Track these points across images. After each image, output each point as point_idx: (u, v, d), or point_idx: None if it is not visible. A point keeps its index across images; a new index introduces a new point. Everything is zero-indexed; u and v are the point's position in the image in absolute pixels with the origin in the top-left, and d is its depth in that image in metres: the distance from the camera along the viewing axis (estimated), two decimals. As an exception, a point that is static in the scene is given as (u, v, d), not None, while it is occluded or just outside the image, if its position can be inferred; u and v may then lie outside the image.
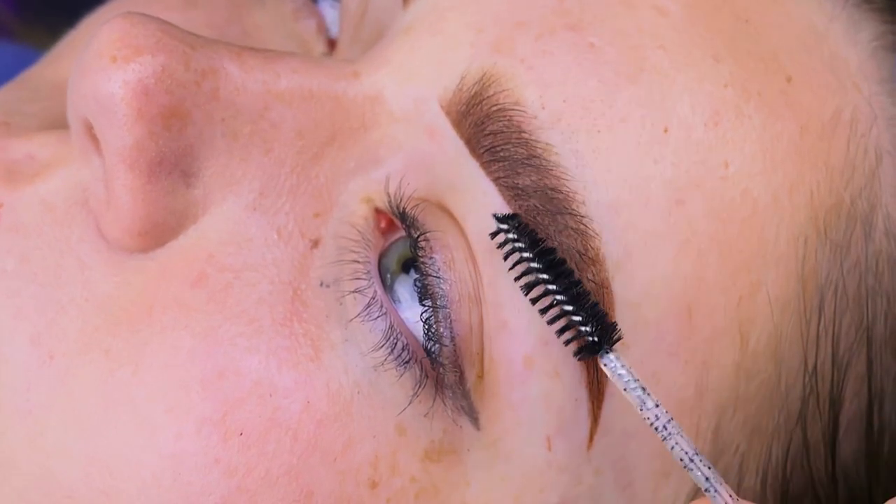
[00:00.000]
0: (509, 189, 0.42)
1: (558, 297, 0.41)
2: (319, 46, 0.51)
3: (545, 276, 0.41)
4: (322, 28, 0.51)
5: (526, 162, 0.43)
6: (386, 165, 0.44)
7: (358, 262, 0.43)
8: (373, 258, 0.43)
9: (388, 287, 0.43)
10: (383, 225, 0.44)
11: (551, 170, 0.42)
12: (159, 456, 0.41)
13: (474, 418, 0.43)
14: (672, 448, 0.40)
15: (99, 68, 0.42)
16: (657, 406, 0.40)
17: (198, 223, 0.43)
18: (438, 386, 0.42)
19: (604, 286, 0.42)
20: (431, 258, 0.42)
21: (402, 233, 0.43)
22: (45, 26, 0.65)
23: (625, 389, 0.41)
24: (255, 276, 0.42)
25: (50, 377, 0.42)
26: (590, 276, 0.42)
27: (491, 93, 0.43)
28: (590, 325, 0.41)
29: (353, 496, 0.42)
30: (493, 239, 0.42)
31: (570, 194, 0.42)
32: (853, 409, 0.47)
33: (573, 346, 0.42)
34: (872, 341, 0.46)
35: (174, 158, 0.43)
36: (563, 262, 0.41)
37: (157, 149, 0.42)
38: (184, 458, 0.41)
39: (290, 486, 0.41)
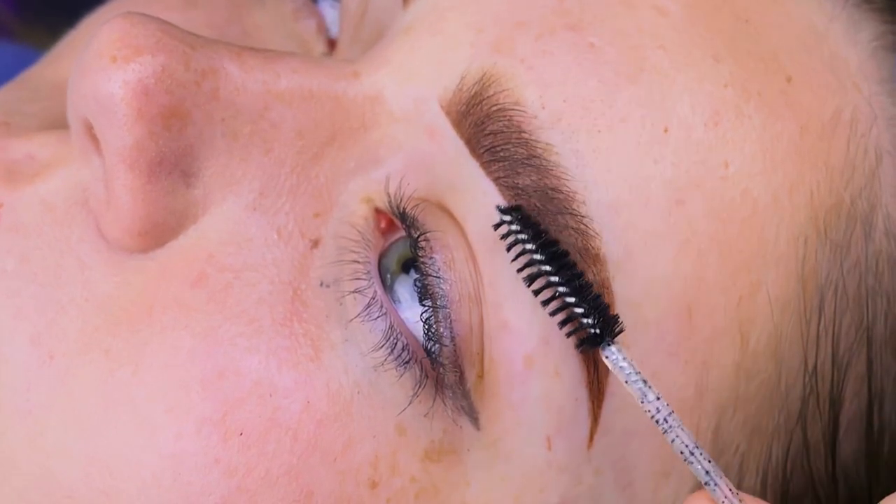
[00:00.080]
0: (509, 189, 0.42)
1: (560, 289, 0.41)
2: (319, 46, 0.51)
3: (547, 268, 0.41)
4: (322, 28, 0.51)
5: (526, 162, 0.43)
6: (386, 165, 0.44)
7: (358, 262, 0.43)
8: (373, 258, 0.43)
9: (388, 287, 0.43)
10: (383, 225, 0.44)
11: (551, 170, 0.42)
12: (159, 456, 0.41)
13: (474, 418, 0.43)
14: (673, 441, 0.40)
15: (99, 68, 0.42)
16: (658, 399, 0.40)
17: (198, 223, 0.43)
18: (438, 386, 0.42)
19: (605, 286, 0.42)
20: (431, 258, 0.42)
21: (402, 233, 0.43)
22: (45, 26, 0.65)
23: (626, 382, 0.41)
24: (255, 276, 0.42)
25: (50, 377, 0.42)
26: (591, 275, 0.42)
27: (491, 93, 0.43)
28: (592, 318, 0.41)
29: (353, 496, 0.42)
30: (496, 230, 0.42)
31: (571, 194, 0.42)
32: (853, 409, 0.47)
33: (574, 344, 0.42)
34: (872, 341, 0.46)
35: (174, 158, 0.43)
36: (566, 254, 0.41)
37: (157, 149, 0.42)
38: (184, 458, 0.41)
39: (290, 486, 0.41)
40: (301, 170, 0.44)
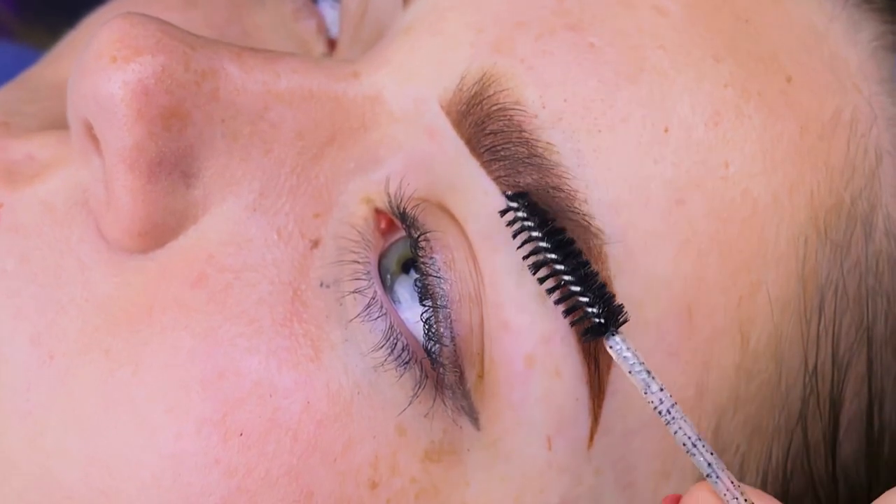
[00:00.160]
0: (510, 188, 0.42)
1: (566, 277, 0.41)
2: (319, 47, 0.51)
3: (553, 257, 0.41)
4: (322, 28, 0.51)
5: (527, 161, 0.43)
6: (386, 166, 0.44)
7: (358, 262, 0.43)
8: (373, 259, 0.43)
9: (387, 287, 0.43)
10: (383, 225, 0.44)
11: (552, 169, 0.42)
12: (159, 456, 0.41)
13: (474, 418, 0.43)
14: (675, 433, 0.40)
15: (99, 69, 0.42)
16: (661, 390, 0.40)
17: (198, 223, 0.43)
18: (438, 386, 0.42)
19: (607, 284, 0.42)
20: (432, 258, 0.42)
21: (402, 233, 0.43)
22: (45, 26, 0.65)
23: (630, 372, 0.40)
24: (255, 277, 0.42)
25: (50, 377, 0.42)
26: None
27: (491, 92, 0.43)
28: (597, 307, 0.41)
29: (354, 496, 0.42)
30: (502, 217, 0.42)
31: (572, 193, 0.42)
32: (853, 409, 0.47)
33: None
34: (873, 341, 0.46)
35: (174, 159, 0.43)
36: (572, 242, 0.41)
37: (157, 149, 0.42)
38: (184, 459, 0.41)
39: (290, 486, 0.41)
40: (301, 170, 0.44)
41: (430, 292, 0.42)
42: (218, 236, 0.43)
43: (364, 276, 0.42)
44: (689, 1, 0.45)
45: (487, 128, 0.43)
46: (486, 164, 0.43)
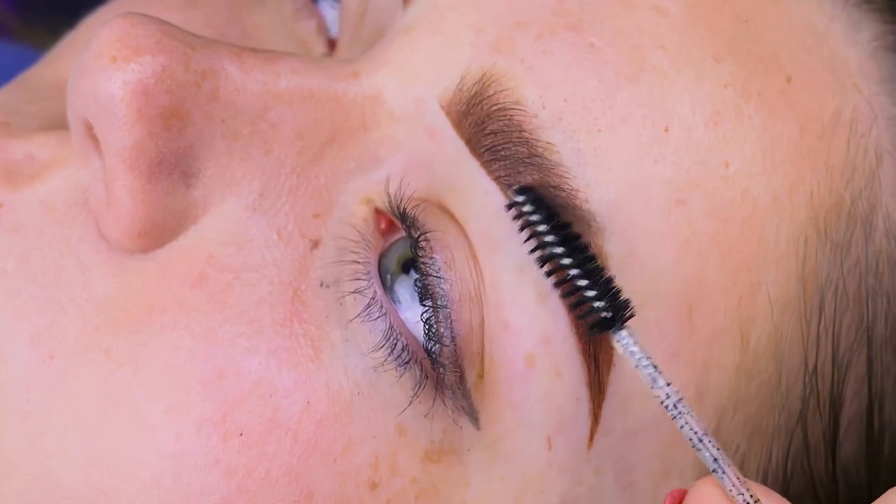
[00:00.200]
0: (511, 188, 0.42)
1: (573, 271, 0.41)
2: (319, 47, 0.51)
3: (560, 250, 0.41)
4: (322, 28, 0.51)
5: (527, 161, 0.43)
6: (386, 166, 0.44)
7: (358, 262, 0.43)
8: (373, 259, 0.43)
9: (387, 288, 0.43)
10: (383, 226, 0.44)
11: (553, 168, 0.42)
12: (159, 456, 0.41)
13: (474, 418, 0.43)
14: (682, 427, 0.40)
15: (99, 69, 0.42)
16: (668, 385, 0.40)
17: (198, 224, 0.43)
18: (438, 386, 0.42)
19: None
20: (432, 258, 0.42)
21: (402, 233, 0.43)
22: (45, 26, 0.65)
23: (636, 367, 0.40)
24: (255, 277, 0.42)
25: (50, 377, 0.42)
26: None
27: (491, 92, 0.43)
28: (603, 302, 0.41)
29: (354, 497, 0.42)
30: (508, 211, 0.42)
31: (573, 192, 0.42)
32: (853, 409, 0.47)
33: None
34: (873, 341, 0.46)
35: (174, 159, 0.43)
36: (578, 236, 0.41)
37: (157, 149, 0.42)
38: (184, 459, 0.41)
39: (290, 486, 0.41)
40: (301, 170, 0.44)
41: (431, 292, 0.42)
42: (218, 236, 0.43)
43: (364, 277, 0.42)
44: (689, 1, 0.45)
45: (487, 128, 0.43)
46: (487, 164, 0.43)
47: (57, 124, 0.46)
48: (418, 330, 0.42)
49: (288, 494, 0.41)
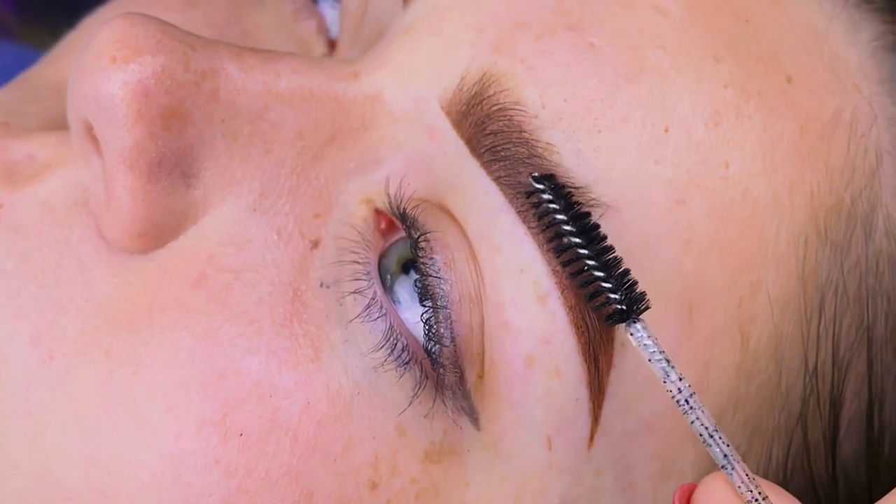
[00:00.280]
0: (511, 188, 0.42)
1: (589, 262, 0.41)
2: (319, 47, 0.51)
3: (577, 240, 0.41)
4: (322, 28, 0.51)
5: (527, 161, 0.43)
6: (386, 166, 0.44)
7: (358, 262, 0.43)
8: (373, 259, 0.43)
9: (387, 288, 0.43)
10: (383, 226, 0.44)
11: (553, 168, 0.42)
12: (159, 456, 0.41)
13: (474, 419, 0.43)
14: (692, 423, 0.40)
15: (98, 69, 0.42)
16: (681, 379, 0.40)
17: (198, 224, 0.43)
18: (438, 386, 0.42)
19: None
20: (432, 258, 0.42)
21: (402, 234, 0.43)
22: (45, 26, 0.65)
23: (650, 360, 0.40)
24: (255, 277, 0.42)
25: (50, 377, 0.42)
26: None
27: (491, 92, 0.43)
28: (619, 294, 0.41)
29: (354, 497, 0.42)
30: (527, 199, 0.42)
31: (573, 192, 0.42)
32: (854, 409, 0.47)
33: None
34: (873, 341, 0.46)
35: (174, 159, 0.43)
36: (597, 227, 0.41)
37: (157, 149, 0.42)
38: (184, 459, 0.41)
39: (290, 486, 0.41)
40: (301, 170, 0.44)
41: (431, 293, 0.42)
42: (218, 237, 0.43)
43: (364, 277, 0.42)
44: (689, 1, 0.45)
45: (487, 128, 0.43)
46: (487, 165, 0.43)
47: (57, 124, 0.46)
48: (418, 330, 0.42)
49: (288, 494, 0.41)
